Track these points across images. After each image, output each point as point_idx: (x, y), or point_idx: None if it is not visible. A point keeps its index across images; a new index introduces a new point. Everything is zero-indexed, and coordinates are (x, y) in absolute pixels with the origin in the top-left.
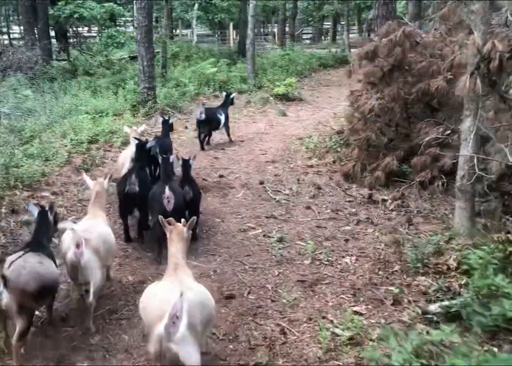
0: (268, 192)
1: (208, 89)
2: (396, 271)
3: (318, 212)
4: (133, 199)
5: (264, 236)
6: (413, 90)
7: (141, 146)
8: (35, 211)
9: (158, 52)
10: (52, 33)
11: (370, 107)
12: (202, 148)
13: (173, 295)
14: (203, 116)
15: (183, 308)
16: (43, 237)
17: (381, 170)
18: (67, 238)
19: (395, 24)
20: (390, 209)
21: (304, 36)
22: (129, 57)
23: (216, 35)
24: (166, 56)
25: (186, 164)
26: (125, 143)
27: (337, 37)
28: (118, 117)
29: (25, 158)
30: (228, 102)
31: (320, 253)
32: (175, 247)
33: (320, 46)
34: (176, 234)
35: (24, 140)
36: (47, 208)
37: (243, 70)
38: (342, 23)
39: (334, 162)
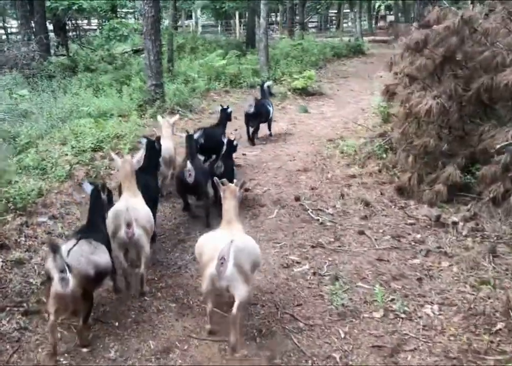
0: (308, 211)
1: (219, 84)
2: (500, 330)
3: (376, 239)
4: None
5: (314, 273)
6: (473, 85)
7: (151, 145)
8: (88, 188)
9: (164, 44)
10: (50, 27)
11: (427, 107)
12: (253, 143)
13: (222, 242)
14: (252, 109)
15: (230, 252)
16: (97, 218)
17: (443, 183)
18: (117, 216)
19: (447, 9)
20: (463, 234)
21: (309, 25)
22: (132, 50)
23: (220, 25)
24: (172, 48)
25: (230, 144)
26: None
27: (344, 25)
28: (124, 118)
29: (19, 171)
30: (267, 93)
31: (391, 300)
32: (228, 204)
33: (328, 35)
34: (230, 192)
35: (19, 148)
36: (99, 187)
37: (254, 63)
38: (352, 10)
39: (379, 171)
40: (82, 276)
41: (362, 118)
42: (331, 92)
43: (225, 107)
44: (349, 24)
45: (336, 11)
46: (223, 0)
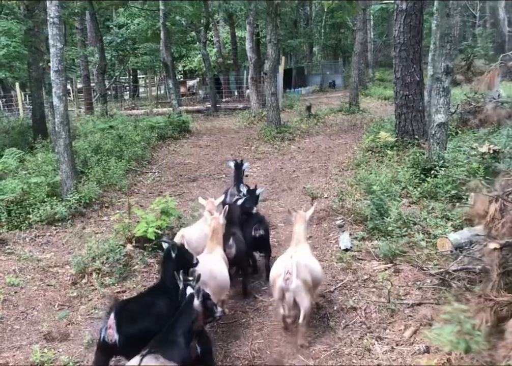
0: None
1: None
2: None
3: None
4: None
5: None
6: None
7: None
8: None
9: None
10: None
11: None
12: None
13: (287, 259)
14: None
15: (293, 267)
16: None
17: None
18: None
19: None
20: None
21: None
22: None
23: None
24: None
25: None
26: None
27: (140, 92)
28: None
29: None
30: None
31: None
32: (298, 227)
33: (130, 105)
34: (299, 217)
35: None
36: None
37: (49, 170)
38: (157, 75)
39: None
40: None
41: None
42: None
43: None
44: (142, 89)
45: (129, 77)
46: None
